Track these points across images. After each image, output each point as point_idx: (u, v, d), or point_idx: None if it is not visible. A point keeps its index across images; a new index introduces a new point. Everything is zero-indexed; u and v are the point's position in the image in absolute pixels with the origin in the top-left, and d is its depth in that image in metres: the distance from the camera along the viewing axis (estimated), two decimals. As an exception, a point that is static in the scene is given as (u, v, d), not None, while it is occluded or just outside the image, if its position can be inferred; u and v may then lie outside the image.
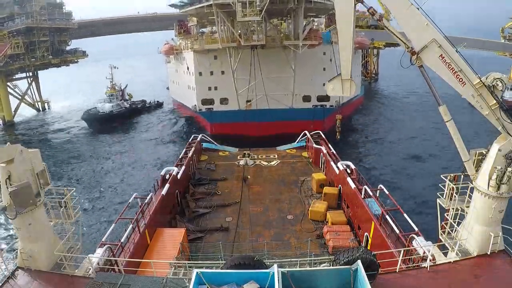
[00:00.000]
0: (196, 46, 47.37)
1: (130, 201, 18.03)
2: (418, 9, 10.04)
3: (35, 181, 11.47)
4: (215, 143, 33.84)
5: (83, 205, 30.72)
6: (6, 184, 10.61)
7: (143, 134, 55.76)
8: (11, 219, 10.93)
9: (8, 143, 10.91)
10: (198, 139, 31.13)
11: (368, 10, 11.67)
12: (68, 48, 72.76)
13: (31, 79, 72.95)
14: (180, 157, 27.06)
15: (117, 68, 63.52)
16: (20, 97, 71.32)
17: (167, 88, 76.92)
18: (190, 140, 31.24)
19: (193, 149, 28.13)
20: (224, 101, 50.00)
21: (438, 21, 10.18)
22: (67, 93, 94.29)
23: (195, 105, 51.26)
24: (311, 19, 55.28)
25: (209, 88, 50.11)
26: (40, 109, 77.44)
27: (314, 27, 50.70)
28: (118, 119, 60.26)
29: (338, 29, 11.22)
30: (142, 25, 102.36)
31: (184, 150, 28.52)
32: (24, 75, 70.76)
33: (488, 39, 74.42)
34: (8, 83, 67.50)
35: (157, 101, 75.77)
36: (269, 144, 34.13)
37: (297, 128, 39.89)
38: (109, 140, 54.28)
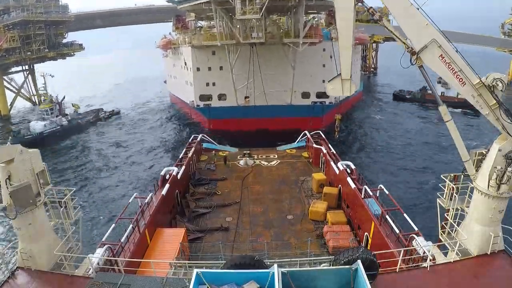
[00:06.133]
0: (194, 42, 47.10)
1: (130, 201, 18.03)
2: (418, 9, 10.03)
3: (35, 181, 11.47)
4: (215, 143, 33.84)
5: (83, 205, 30.72)
6: (6, 184, 10.61)
7: (137, 135, 54.15)
8: (11, 219, 10.93)
9: (8, 143, 10.92)
10: (198, 139, 31.12)
11: (368, 10, 11.68)
12: (64, 41, 72.45)
13: (27, 72, 72.69)
14: (180, 157, 27.06)
15: (52, 76, 53.16)
16: (16, 91, 70.99)
17: (165, 82, 76.84)
18: (190, 140, 31.25)
19: (193, 149, 28.13)
20: (222, 97, 49.88)
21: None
22: (65, 86, 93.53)
23: (192, 100, 51.15)
24: (311, 16, 55.24)
25: (207, 84, 50.03)
26: (37, 102, 77.07)
27: (314, 24, 50.66)
28: (53, 140, 49.26)
29: (338, 29, 11.21)
30: (139, 17, 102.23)
31: (184, 150, 28.52)
32: (20, 68, 70.42)
33: (488, 34, 74.91)
34: (4, 77, 67.30)
35: (113, 110, 65.34)
36: (269, 144, 34.12)
37: (295, 124, 39.69)
38: (107, 137, 54.15)
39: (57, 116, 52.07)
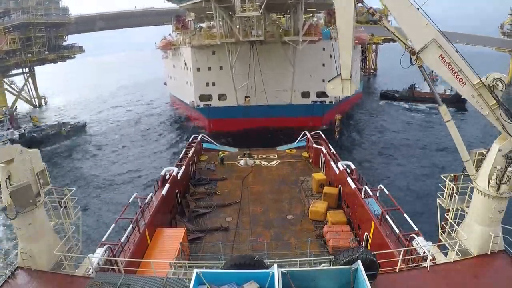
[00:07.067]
0: (194, 42, 47.11)
1: (130, 201, 18.02)
2: (418, 9, 10.03)
3: (35, 181, 11.47)
4: (215, 143, 33.86)
5: (83, 205, 30.68)
6: (6, 184, 10.61)
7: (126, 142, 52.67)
8: (11, 219, 10.92)
9: (8, 143, 10.92)
10: (198, 139, 31.13)
11: (368, 11, 11.67)
12: (64, 43, 72.61)
13: (28, 75, 72.79)
14: (180, 157, 27.08)
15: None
16: (16, 93, 71.07)
17: (165, 84, 76.76)
18: (190, 140, 31.27)
19: (193, 149, 28.14)
20: (222, 97, 49.86)
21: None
22: (64, 88, 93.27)
23: (193, 101, 51.16)
24: (311, 14, 55.26)
25: (207, 84, 49.98)
26: (37, 105, 77.13)
27: (314, 22, 50.66)
28: None
29: (338, 29, 11.18)
30: (139, 20, 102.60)
31: (184, 150, 28.54)
32: (20, 71, 70.60)
33: (488, 35, 75.32)
34: (4, 79, 67.42)
35: (78, 122, 58.04)
36: (269, 144, 34.13)
37: (296, 124, 39.63)
38: (106, 139, 54.15)
39: (8, 129, 46.47)
